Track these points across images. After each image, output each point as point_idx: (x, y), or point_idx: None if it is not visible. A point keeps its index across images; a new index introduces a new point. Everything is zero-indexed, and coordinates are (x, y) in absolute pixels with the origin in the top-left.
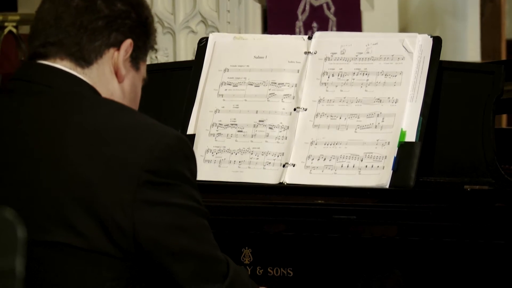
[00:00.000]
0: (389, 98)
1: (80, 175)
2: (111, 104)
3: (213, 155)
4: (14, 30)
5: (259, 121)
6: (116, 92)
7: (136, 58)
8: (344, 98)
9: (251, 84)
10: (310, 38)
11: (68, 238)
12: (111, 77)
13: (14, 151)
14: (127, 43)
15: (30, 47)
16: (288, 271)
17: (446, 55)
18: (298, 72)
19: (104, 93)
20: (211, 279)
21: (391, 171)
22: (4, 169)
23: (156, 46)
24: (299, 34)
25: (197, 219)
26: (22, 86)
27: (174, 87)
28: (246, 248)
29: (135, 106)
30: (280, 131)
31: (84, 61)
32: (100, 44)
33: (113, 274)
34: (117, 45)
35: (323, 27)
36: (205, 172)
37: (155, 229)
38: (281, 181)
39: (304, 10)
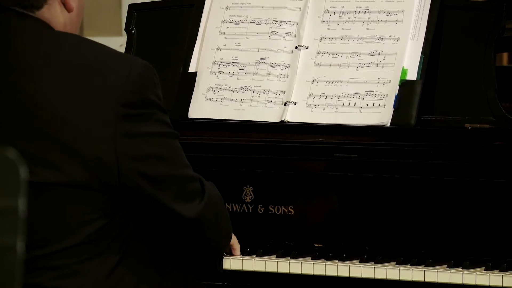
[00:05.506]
0: (390, 36)
1: (56, 112)
2: (71, 37)
3: (214, 93)
4: None
5: (261, 59)
6: (67, 21)
7: None
8: (346, 36)
9: (253, 22)
10: None
11: (50, 177)
12: (61, 11)
13: None
14: None
15: None
16: (289, 209)
17: None
18: (299, 10)
19: (58, 27)
20: (191, 197)
21: (392, 110)
22: None
23: None
24: None
25: (172, 143)
26: None
27: (176, 25)
28: (248, 186)
29: (79, 24)
30: (282, 69)
31: (34, 7)
32: None
33: (96, 207)
34: None
35: None
36: (207, 110)
37: (137, 160)
38: (283, 119)
39: None
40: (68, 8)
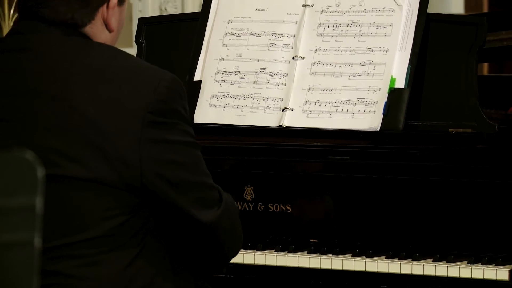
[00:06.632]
0: (380, 47)
1: (85, 114)
2: (109, 48)
3: (218, 100)
4: None
5: (261, 68)
6: (108, 39)
7: None
8: (339, 47)
9: (253, 35)
10: None
11: (76, 172)
12: (102, 29)
13: (21, 92)
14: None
15: (21, 6)
16: (287, 207)
17: (432, 8)
18: (296, 23)
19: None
20: (209, 204)
21: (382, 115)
22: (15, 109)
23: None
24: None
25: (194, 152)
26: (19, 38)
27: (182, 37)
28: (248, 186)
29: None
30: (280, 78)
31: (78, 25)
32: (92, 8)
33: (119, 203)
34: (106, 1)
35: None
36: (211, 115)
37: (159, 164)
38: (281, 124)
39: None
40: (109, 29)
